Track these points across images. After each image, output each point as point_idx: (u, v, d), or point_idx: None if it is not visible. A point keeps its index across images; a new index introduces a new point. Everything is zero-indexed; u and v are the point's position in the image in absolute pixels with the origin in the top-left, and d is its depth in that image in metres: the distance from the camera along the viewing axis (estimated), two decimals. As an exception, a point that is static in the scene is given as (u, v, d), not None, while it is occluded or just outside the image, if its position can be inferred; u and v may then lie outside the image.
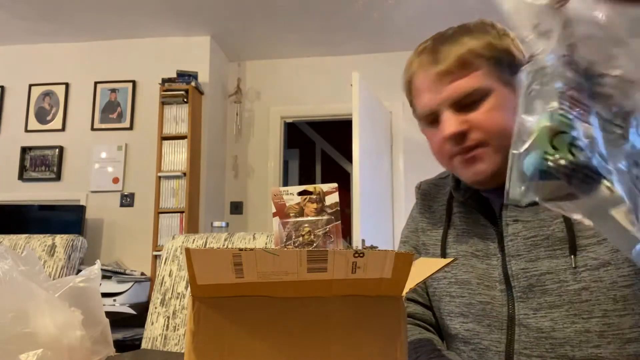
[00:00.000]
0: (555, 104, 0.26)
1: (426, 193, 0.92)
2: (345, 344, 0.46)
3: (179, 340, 1.15)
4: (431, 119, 0.75)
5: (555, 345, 0.66)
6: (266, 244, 1.22)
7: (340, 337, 0.46)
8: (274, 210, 0.58)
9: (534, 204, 0.73)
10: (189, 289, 1.21)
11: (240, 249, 0.41)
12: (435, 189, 0.91)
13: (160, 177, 3.23)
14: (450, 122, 0.71)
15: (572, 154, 0.25)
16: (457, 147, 0.72)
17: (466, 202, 0.80)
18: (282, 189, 0.59)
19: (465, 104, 0.71)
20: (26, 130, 3.59)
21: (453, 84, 0.71)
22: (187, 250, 0.41)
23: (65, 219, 3.27)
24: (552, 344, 0.66)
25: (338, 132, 5.13)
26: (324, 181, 5.22)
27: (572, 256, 0.66)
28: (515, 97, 0.72)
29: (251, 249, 0.41)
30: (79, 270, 1.20)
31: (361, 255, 0.42)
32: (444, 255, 0.81)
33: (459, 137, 0.71)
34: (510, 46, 0.72)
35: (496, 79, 0.71)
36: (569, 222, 0.68)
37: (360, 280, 0.45)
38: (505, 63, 0.72)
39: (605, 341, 0.63)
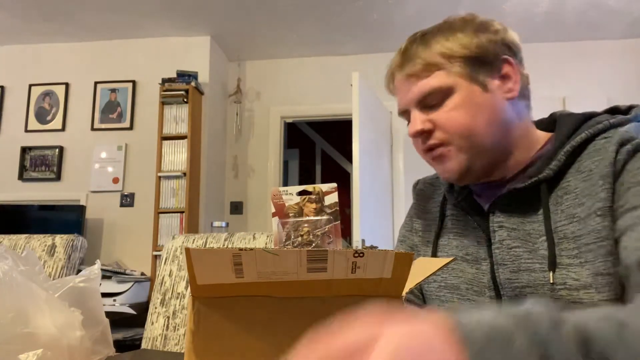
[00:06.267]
0: None
1: (422, 193, 0.91)
2: None
3: (179, 340, 1.15)
4: (406, 117, 0.77)
5: None
6: (266, 243, 1.22)
7: None
8: (273, 210, 0.58)
9: (520, 211, 0.69)
10: (189, 289, 1.21)
11: (240, 249, 0.41)
12: (431, 189, 0.90)
13: (160, 177, 3.23)
14: (415, 121, 0.73)
15: None
16: (423, 145, 0.74)
17: (458, 205, 0.79)
18: (282, 189, 0.59)
19: (429, 103, 0.72)
20: (26, 130, 3.59)
21: (416, 84, 0.73)
22: (187, 250, 0.41)
23: (65, 219, 3.27)
24: None
25: (338, 132, 5.13)
26: (324, 181, 5.22)
27: (551, 272, 0.65)
28: (484, 93, 0.71)
29: (251, 249, 0.41)
30: (79, 270, 1.20)
31: (361, 255, 0.42)
32: (434, 257, 0.80)
33: (423, 135, 0.73)
34: (484, 42, 0.72)
35: (462, 76, 0.71)
36: (551, 240, 0.66)
37: (360, 280, 0.45)
38: (474, 61, 0.71)
39: None
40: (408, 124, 0.76)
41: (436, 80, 0.71)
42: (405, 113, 0.77)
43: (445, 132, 0.71)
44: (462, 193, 0.79)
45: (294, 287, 0.45)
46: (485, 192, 0.77)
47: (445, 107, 0.71)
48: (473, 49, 0.71)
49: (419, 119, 0.73)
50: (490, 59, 0.72)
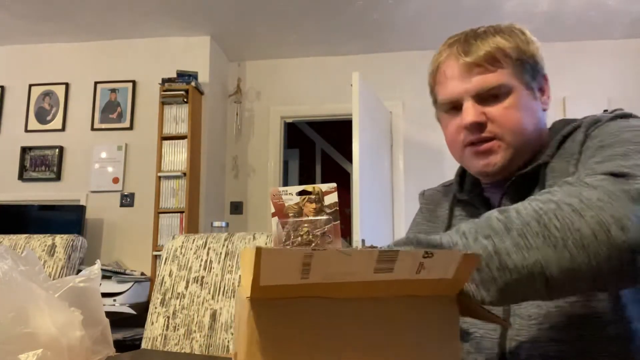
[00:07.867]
0: None
1: (430, 199, 0.95)
2: (403, 344, 0.46)
3: (179, 340, 1.15)
4: (452, 106, 0.79)
5: (543, 329, 0.69)
6: (266, 243, 1.22)
7: (398, 337, 0.46)
8: (273, 210, 0.58)
9: (525, 196, 0.73)
10: (189, 288, 1.21)
11: (313, 249, 0.40)
12: (439, 196, 0.94)
13: (160, 177, 3.23)
14: (471, 111, 0.75)
15: None
16: (472, 137, 0.77)
17: (469, 201, 0.83)
18: (281, 189, 0.59)
19: (487, 97, 0.75)
20: (26, 130, 3.59)
21: (481, 76, 0.75)
22: (258, 249, 0.38)
23: (65, 219, 3.27)
24: (541, 329, 0.69)
25: (338, 132, 5.13)
26: (324, 181, 5.22)
27: None
28: (533, 99, 0.76)
29: (324, 249, 0.40)
30: (79, 270, 1.20)
31: (430, 255, 0.42)
32: None
33: (477, 127, 0.76)
34: (535, 53, 0.78)
35: (519, 79, 0.76)
36: None
37: (421, 280, 0.44)
38: (529, 67, 0.76)
39: (588, 324, 0.66)
40: (447, 110, 0.80)
41: (502, 77, 0.75)
42: (453, 102, 0.79)
43: (499, 126, 0.75)
44: (473, 192, 0.84)
45: (357, 287, 0.44)
46: (497, 188, 0.81)
47: (503, 103, 0.75)
48: (529, 55, 0.77)
49: (475, 110, 0.75)
50: (538, 70, 0.79)
